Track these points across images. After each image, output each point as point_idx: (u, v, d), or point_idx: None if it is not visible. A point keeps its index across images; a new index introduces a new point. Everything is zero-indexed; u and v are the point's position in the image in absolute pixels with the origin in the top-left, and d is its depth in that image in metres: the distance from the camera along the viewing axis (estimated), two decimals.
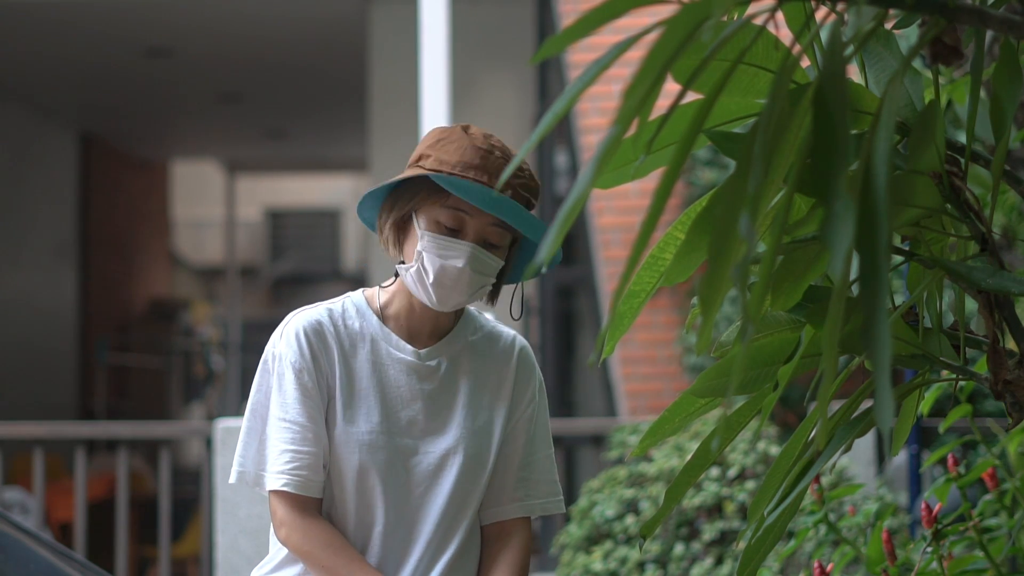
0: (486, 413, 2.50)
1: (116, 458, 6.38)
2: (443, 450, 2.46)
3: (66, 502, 8.55)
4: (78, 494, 6.31)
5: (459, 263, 2.37)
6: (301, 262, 19.46)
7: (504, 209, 2.35)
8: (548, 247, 1.31)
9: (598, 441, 6.08)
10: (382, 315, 2.49)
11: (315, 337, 2.44)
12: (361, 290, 2.54)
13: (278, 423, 2.42)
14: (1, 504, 6.95)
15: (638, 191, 6.99)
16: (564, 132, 7.72)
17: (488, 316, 2.60)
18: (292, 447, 2.40)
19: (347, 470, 2.43)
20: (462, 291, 2.40)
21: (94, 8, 9.26)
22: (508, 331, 2.57)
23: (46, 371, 12.08)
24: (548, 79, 8.12)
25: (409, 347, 2.47)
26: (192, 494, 9.22)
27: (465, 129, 2.43)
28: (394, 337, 2.47)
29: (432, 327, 2.49)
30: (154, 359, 14.47)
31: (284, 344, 2.44)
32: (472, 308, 2.56)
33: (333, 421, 2.43)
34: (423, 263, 2.40)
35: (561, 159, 8.24)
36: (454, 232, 2.39)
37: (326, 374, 2.44)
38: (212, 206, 17.47)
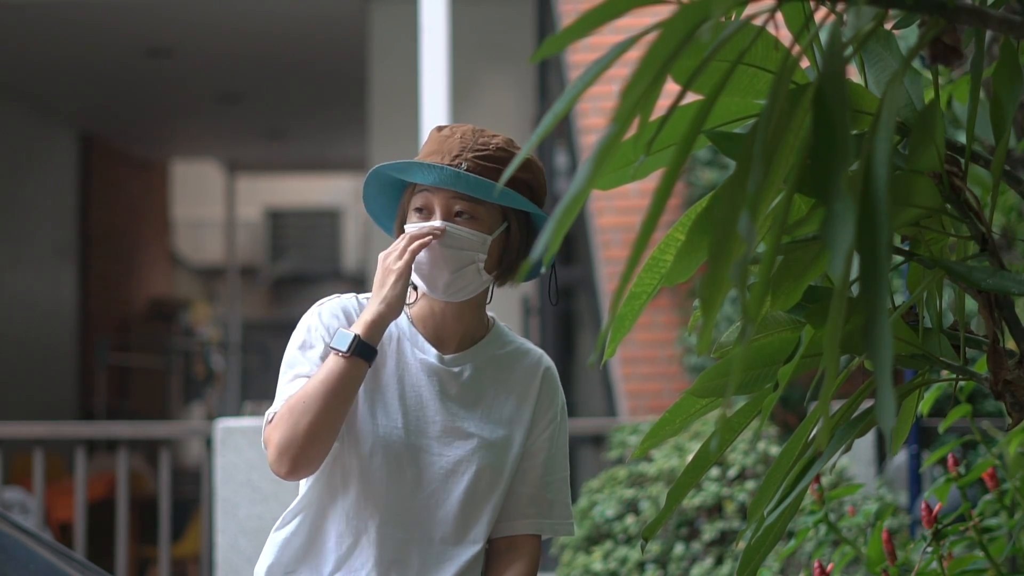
0: (505, 428, 2.50)
1: (116, 458, 6.38)
2: (458, 456, 2.47)
3: (66, 502, 8.55)
4: (78, 494, 6.31)
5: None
6: (301, 262, 19.45)
7: (459, 182, 2.38)
8: (544, 245, 1.31)
9: (598, 441, 6.08)
10: (411, 315, 2.51)
11: (342, 314, 2.47)
12: None
13: (287, 372, 2.45)
14: (1, 504, 6.95)
15: (638, 191, 6.98)
16: (564, 132, 7.72)
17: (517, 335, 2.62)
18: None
19: (357, 461, 2.44)
20: (444, 267, 2.41)
21: (94, 8, 9.26)
22: (536, 350, 2.57)
23: (46, 371, 12.07)
24: (548, 79, 8.12)
25: (434, 350, 2.49)
26: (192, 494, 9.23)
27: (440, 128, 2.48)
28: (420, 338, 2.49)
29: (460, 334, 2.50)
30: (154, 359, 14.46)
31: (311, 314, 2.48)
32: (503, 324, 2.57)
33: (354, 411, 2.44)
34: None
35: (561, 159, 8.23)
36: (426, 215, 2.42)
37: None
38: (212, 206, 17.46)
